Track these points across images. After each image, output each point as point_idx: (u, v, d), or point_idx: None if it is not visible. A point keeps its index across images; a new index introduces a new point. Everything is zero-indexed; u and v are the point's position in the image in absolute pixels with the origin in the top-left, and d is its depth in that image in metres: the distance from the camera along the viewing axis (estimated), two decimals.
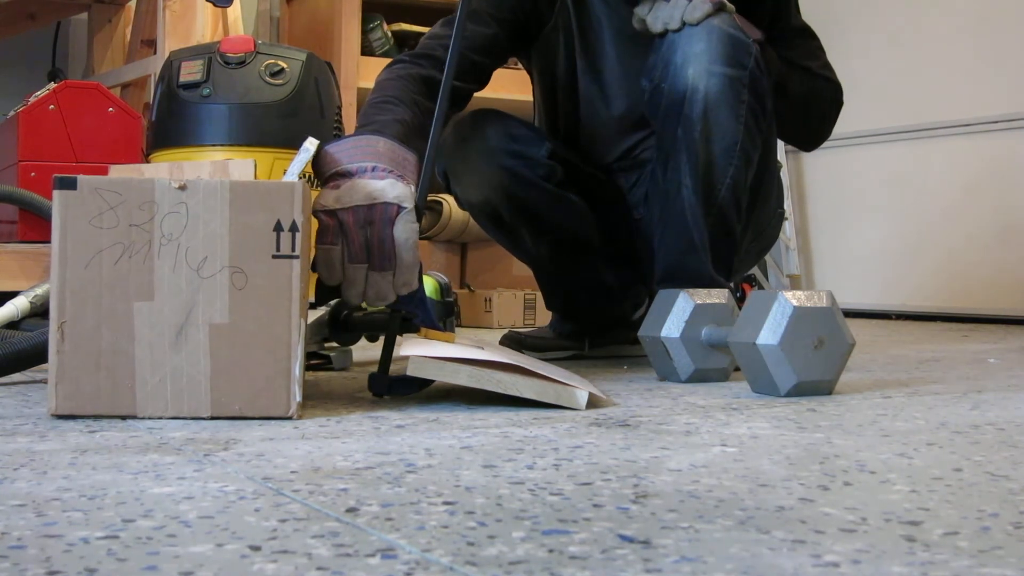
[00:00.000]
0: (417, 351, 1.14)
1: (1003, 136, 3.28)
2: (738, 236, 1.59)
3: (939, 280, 3.41)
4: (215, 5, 2.51)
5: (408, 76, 1.52)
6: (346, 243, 1.17)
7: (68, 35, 3.32)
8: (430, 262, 3.02)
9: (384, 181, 1.18)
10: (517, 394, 1.14)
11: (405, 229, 1.17)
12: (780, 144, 1.91)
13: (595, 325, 1.85)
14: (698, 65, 1.49)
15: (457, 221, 2.97)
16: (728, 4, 1.51)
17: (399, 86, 1.49)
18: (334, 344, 1.55)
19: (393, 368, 1.23)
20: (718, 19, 1.49)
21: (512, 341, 1.81)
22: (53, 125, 2.14)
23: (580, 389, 1.16)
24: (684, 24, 1.50)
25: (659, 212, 1.58)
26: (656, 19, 1.53)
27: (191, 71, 1.87)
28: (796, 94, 1.67)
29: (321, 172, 1.22)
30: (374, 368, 1.24)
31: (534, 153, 1.68)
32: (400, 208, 1.17)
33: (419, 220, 1.19)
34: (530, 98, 1.89)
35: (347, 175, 1.20)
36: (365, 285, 1.19)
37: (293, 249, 1.04)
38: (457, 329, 1.44)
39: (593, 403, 1.19)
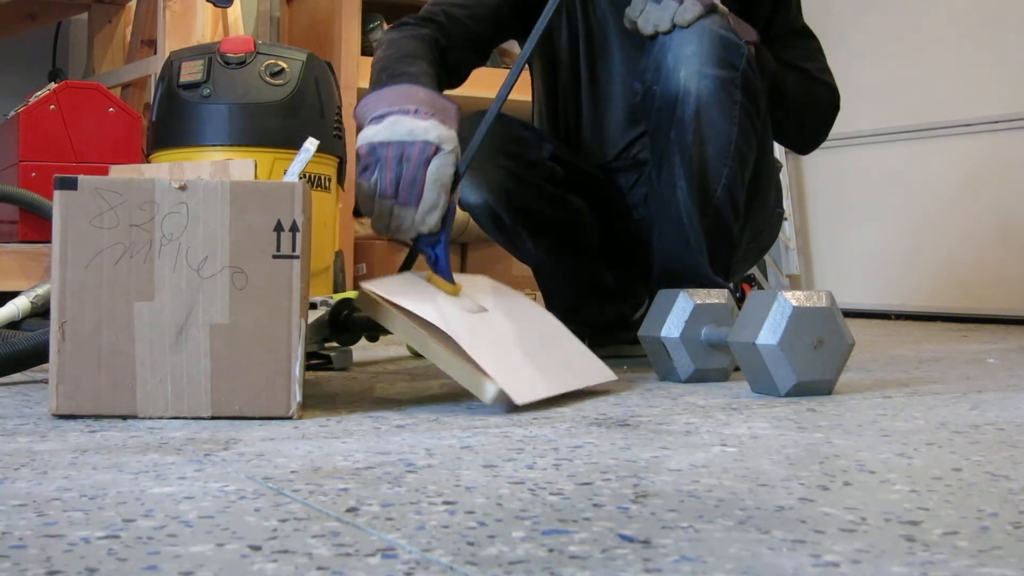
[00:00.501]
0: (375, 287, 1.15)
1: (1003, 136, 3.28)
2: (736, 236, 1.58)
3: (939, 280, 3.41)
4: (215, 5, 2.51)
5: (420, 36, 1.54)
6: (380, 177, 1.20)
7: (68, 35, 3.32)
8: None
9: (427, 122, 1.22)
10: (441, 368, 1.14)
11: (438, 169, 1.21)
12: (779, 145, 1.90)
13: (595, 325, 1.84)
14: (689, 67, 1.48)
15: (457, 221, 2.95)
16: (720, 6, 1.50)
17: (415, 45, 1.50)
18: (334, 344, 1.55)
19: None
20: (709, 20, 1.48)
21: None
22: (53, 125, 2.14)
23: (492, 383, 1.10)
24: (674, 26, 1.49)
25: (656, 214, 1.58)
26: (647, 21, 1.51)
27: (191, 71, 1.87)
28: (792, 96, 1.66)
29: (362, 118, 1.26)
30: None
31: (534, 154, 1.68)
32: (439, 149, 1.20)
33: (457, 170, 1.23)
34: (530, 98, 1.89)
35: (389, 115, 1.24)
36: (390, 219, 1.23)
37: (293, 249, 1.04)
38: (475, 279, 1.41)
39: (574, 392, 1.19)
